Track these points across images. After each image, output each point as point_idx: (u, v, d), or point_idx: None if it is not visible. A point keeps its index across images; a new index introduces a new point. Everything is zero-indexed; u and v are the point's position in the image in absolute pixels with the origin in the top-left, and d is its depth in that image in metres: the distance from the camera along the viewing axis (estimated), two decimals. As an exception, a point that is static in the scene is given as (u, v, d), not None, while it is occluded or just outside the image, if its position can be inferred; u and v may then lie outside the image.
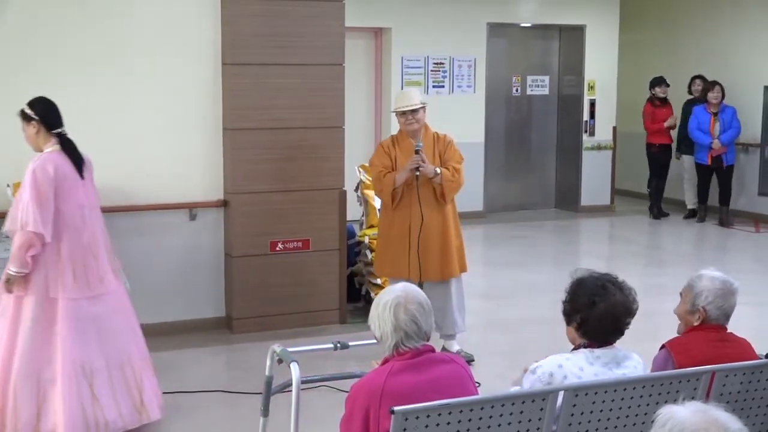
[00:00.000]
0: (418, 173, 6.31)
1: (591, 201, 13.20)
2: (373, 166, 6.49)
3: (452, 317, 6.58)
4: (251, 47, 7.02)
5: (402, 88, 11.59)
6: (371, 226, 7.68)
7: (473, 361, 6.49)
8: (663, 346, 3.77)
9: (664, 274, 9.42)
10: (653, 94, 12.40)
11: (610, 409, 3.22)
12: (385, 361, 3.20)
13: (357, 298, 7.91)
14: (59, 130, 5.08)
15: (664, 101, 12.39)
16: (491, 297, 8.53)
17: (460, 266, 6.58)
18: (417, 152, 6.30)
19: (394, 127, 11.95)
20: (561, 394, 3.13)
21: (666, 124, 12.27)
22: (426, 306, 3.20)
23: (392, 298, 3.19)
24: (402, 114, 6.40)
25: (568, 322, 3.45)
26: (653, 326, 6.41)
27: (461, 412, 2.93)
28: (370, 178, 7.60)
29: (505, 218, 12.69)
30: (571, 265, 9.28)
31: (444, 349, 6.56)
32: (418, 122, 6.39)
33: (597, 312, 3.35)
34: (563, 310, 3.46)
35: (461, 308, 6.65)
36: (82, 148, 6.77)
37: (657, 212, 12.59)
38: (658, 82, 12.41)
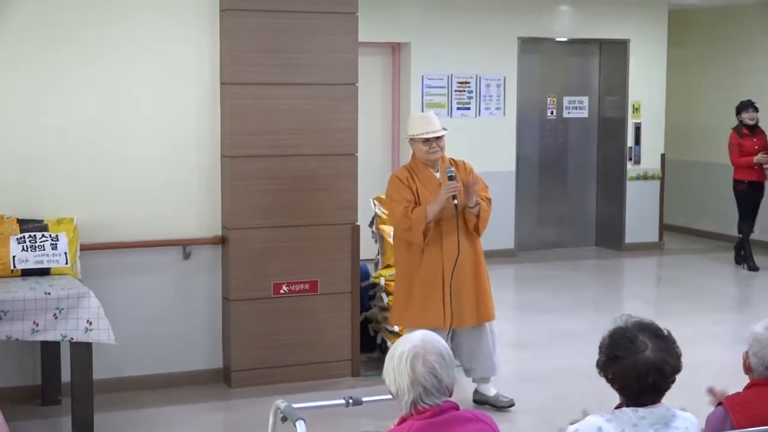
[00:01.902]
0: (456, 202, 6.33)
1: (637, 238, 13.15)
2: (394, 202, 6.46)
3: (490, 358, 6.67)
4: (253, 65, 7.05)
5: (423, 110, 11.61)
6: (387, 266, 7.66)
7: (513, 405, 6.65)
8: (720, 404, 3.73)
9: (720, 321, 9.34)
10: (740, 121, 11.74)
11: (660, 476, 3.18)
12: (402, 421, 3.18)
13: (372, 348, 7.88)
14: None
15: (754, 129, 11.69)
16: (523, 346, 8.48)
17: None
18: (451, 178, 6.35)
19: (414, 154, 11.94)
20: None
21: (755, 160, 11.51)
22: (447, 357, 3.18)
23: (409, 348, 3.17)
24: (425, 141, 6.43)
25: (603, 377, 3.43)
26: (710, 380, 6.36)
27: (489, 478, 2.90)
28: (387, 212, 7.61)
29: (539, 257, 12.64)
30: (614, 310, 9.22)
31: (477, 392, 6.76)
32: (441, 150, 6.47)
33: (620, 369, 3.33)
34: (596, 363, 3.45)
35: (495, 349, 6.76)
36: (60, 177, 6.79)
37: (752, 265, 11.80)
38: (745, 106, 11.70)
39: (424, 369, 3.13)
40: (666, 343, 3.37)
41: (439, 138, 6.42)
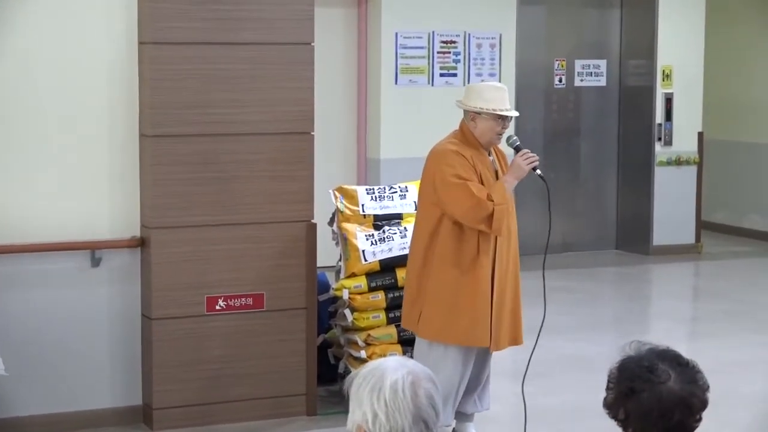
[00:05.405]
0: (540, 173, 6.67)
1: (668, 239, 13.21)
2: (461, 181, 6.48)
3: (486, 389, 6.86)
4: (181, 19, 7.05)
5: (397, 76, 11.66)
6: (352, 275, 7.67)
7: None
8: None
9: (772, 343, 9.44)
10: None
11: None
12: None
13: (332, 379, 7.88)
14: None
15: None
16: (527, 377, 8.50)
17: None
18: (517, 150, 6.70)
19: (386, 131, 11.99)
20: None
21: None
22: (437, 383, 3.14)
23: (402, 374, 3.09)
24: (499, 119, 6.63)
25: (613, 417, 3.47)
26: (756, 415, 6.42)
27: None
28: (351, 207, 7.63)
29: (546, 264, 12.64)
30: (640, 331, 9.28)
31: None
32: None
33: (638, 405, 3.36)
34: (603, 401, 3.48)
35: (489, 380, 6.94)
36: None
37: None
38: None
39: (425, 400, 3.10)
40: (691, 373, 3.41)
41: (509, 119, 6.73)
